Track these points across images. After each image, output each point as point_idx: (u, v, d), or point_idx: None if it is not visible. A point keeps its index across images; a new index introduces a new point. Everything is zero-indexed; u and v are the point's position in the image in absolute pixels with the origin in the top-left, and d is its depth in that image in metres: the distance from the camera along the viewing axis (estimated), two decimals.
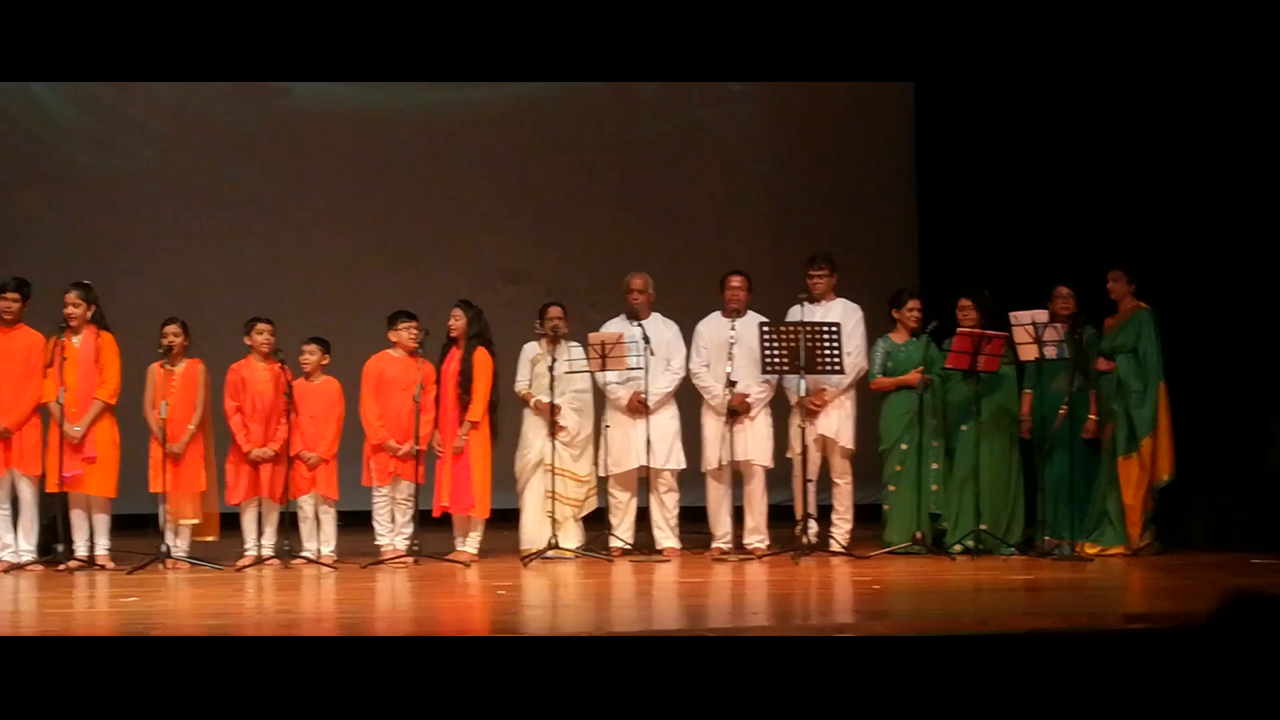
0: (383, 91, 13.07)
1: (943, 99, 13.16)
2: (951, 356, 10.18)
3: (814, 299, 10.45)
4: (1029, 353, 10.05)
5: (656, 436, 10.30)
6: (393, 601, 8.71)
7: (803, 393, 10.15)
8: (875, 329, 10.68)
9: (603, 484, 10.56)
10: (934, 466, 10.40)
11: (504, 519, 10.66)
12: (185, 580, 9.34)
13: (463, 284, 11.73)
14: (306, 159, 13.28)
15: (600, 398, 10.57)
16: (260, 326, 10.12)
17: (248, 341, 10.13)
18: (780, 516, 10.69)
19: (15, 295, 9.76)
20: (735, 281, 10.52)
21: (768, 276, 11.23)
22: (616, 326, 10.50)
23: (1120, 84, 10.89)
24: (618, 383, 10.45)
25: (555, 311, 10.45)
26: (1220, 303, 10.52)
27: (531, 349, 10.55)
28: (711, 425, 10.48)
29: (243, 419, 10.03)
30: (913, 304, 10.59)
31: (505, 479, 10.60)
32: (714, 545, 10.47)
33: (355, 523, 10.61)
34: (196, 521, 9.99)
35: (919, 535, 10.26)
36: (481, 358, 10.16)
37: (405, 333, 10.19)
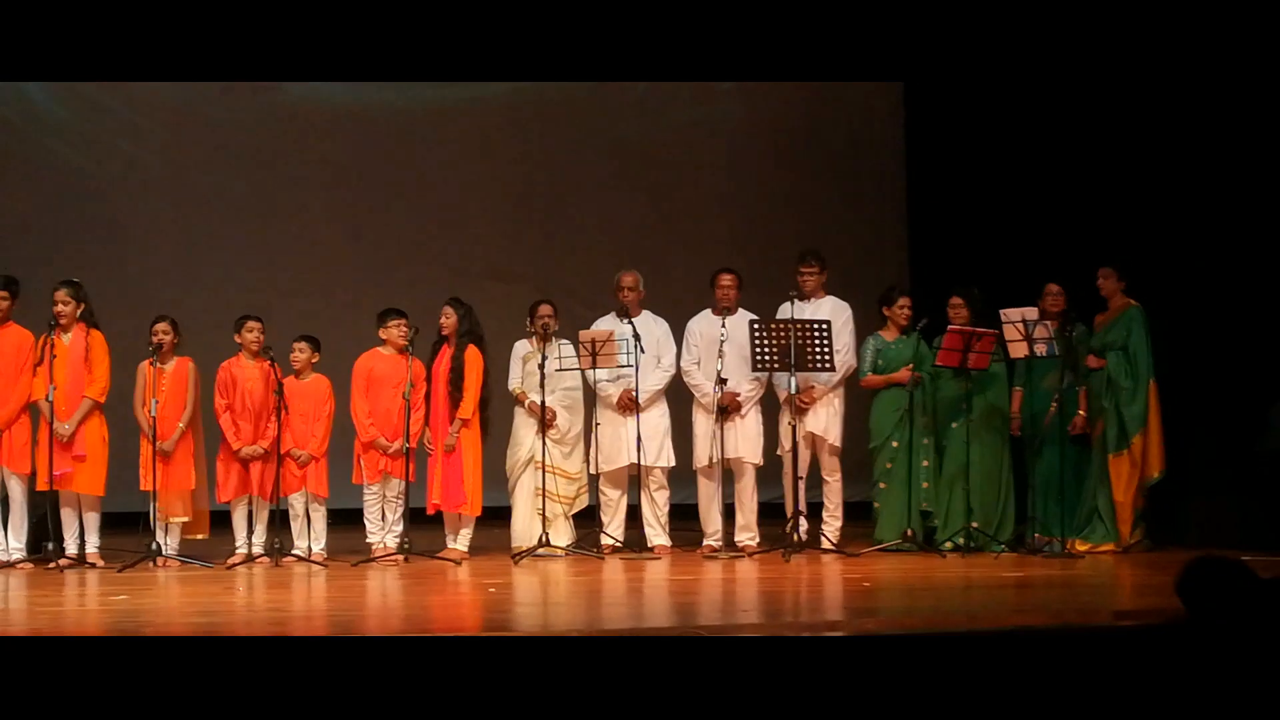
0: (373, 90, 13.06)
1: (931, 98, 13.18)
2: (942, 354, 10.19)
3: (804, 296, 10.45)
4: (1019, 350, 10.07)
5: (647, 434, 10.30)
6: (383, 599, 8.70)
7: (793, 390, 10.16)
8: (865, 327, 10.69)
9: (593, 481, 10.57)
10: (924, 464, 10.41)
11: (495, 517, 10.66)
12: (175, 578, 9.33)
13: (453, 282, 11.73)
14: (297, 157, 13.26)
15: (591, 395, 10.57)
16: (250, 324, 10.11)
17: (238, 339, 10.12)
18: (771, 514, 10.70)
19: (4, 293, 9.74)
20: (726, 279, 10.52)
21: (758, 274, 11.23)
22: (607, 324, 10.50)
23: (1109, 82, 10.91)
24: (608, 380, 10.46)
25: (545, 309, 10.44)
26: (1210, 300, 10.53)
27: (523, 347, 10.55)
28: (702, 423, 10.49)
29: (232, 417, 10.02)
30: (903, 302, 10.59)
31: (496, 477, 10.59)
32: (705, 543, 10.48)
33: (346, 521, 10.59)
34: (186, 519, 9.98)
35: (909, 532, 10.26)
36: (472, 355, 10.15)
37: (395, 330, 10.18)
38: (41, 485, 9.64)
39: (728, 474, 10.47)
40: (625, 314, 10.49)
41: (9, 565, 9.59)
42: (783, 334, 9.97)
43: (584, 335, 10.20)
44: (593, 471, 10.51)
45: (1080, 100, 11.41)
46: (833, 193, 13.73)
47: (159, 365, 9.86)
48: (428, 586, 8.93)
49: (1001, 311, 10.11)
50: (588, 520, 10.67)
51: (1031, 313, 10.07)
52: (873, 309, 10.72)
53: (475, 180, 13.44)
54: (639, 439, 10.24)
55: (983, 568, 9.50)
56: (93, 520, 9.83)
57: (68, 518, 9.80)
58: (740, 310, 10.47)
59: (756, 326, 10.07)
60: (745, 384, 10.38)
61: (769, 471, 10.62)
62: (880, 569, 9.47)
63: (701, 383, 10.45)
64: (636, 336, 10.17)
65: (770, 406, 10.59)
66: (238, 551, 9.97)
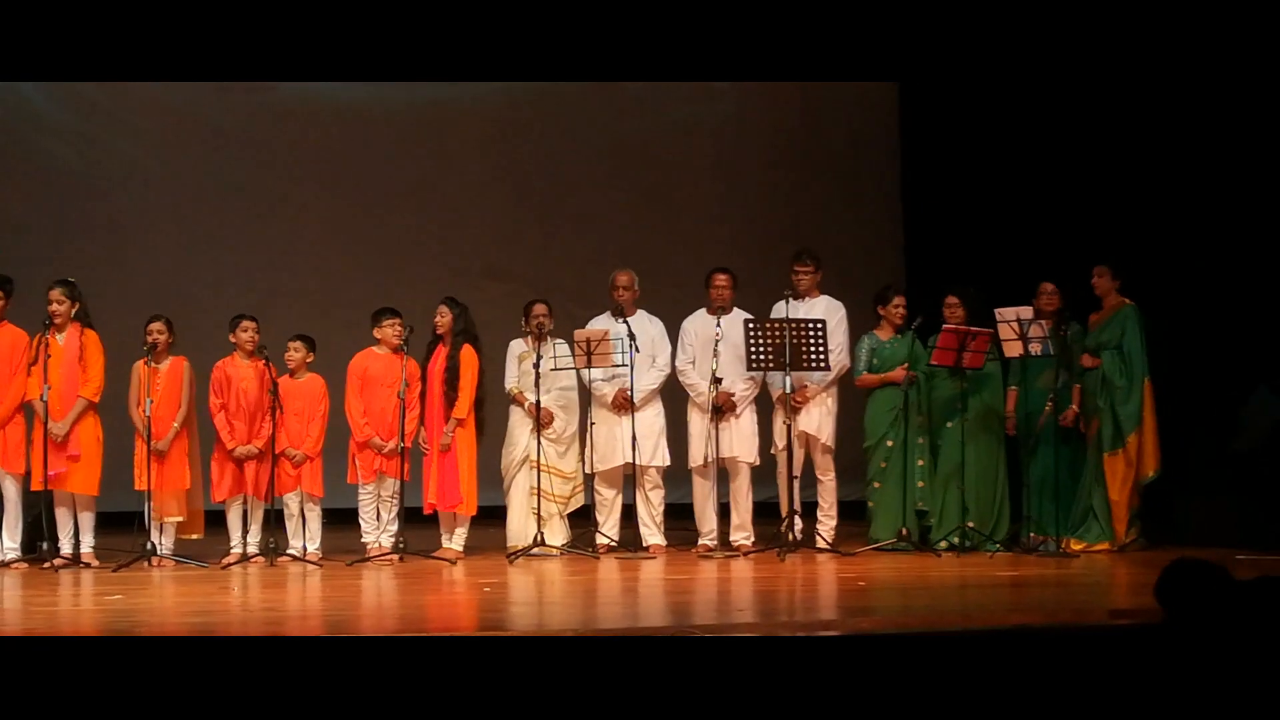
0: (368, 89, 13.05)
1: (926, 98, 13.18)
2: (936, 353, 10.19)
3: (798, 295, 10.45)
4: (1014, 349, 10.07)
5: (642, 433, 10.30)
6: (378, 599, 8.70)
7: (787, 390, 10.15)
8: (860, 326, 10.69)
9: (589, 481, 10.56)
10: (919, 463, 10.41)
11: (490, 516, 10.66)
12: (170, 578, 9.32)
13: (448, 281, 11.73)
14: (292, 157, 13.26)
15: (586, 395, 10.57)
16: (245, 324, 10.11)
17: (232, 339, 10.11)
18: (766, 513, 10.70)
19: None
20: (720, 279, 10.52)
21: (753, 274, 11.23)
22: (602, 323, 10.50)
23: (1104, 81, 10.92)
24: (603, 380, 10.46)
25: (540, 309, 10.44)
26: (1205, 298, 10.55)
27: (518, 346, 10.55)
28: (697, 422, 10.48)
29: (227, 416, 10.02)
30: (898, 301, 10.59)
31: (491, 476, 10.59)
32: (700, 542, 10.47)
33: (341, 520, 10.60)
34: (181, 519, 9.97)
35: (904, 531, 10.27)
36: (467, 355, 10.15)
37: (389, 330, 10.18)
38: (36, 485, 9.64)
39: (723, 473, 10.48)
40: (620, 313, 10.49)
41: (4, 565, 9.58)
42: (778, 333, 9.97)
43: (579, 335, 10.20)
44: (588, 471, 10.50)
45: (1075, 100, 11.43)
46: (828, 192, 13.73)
47: (154, 365, 9.86)
48: (423, 586, 8.93)
49: (996, 311, 10.11)
50: (583, 520, 10.67)
51: (1026, 312, 10.06)
52: (868, 308, 10.72)
53: (471, 179, 13.44)
54: (634, 438, 10.24)
55: (978, 567, 9.50)
56: (87, 520, 9.82)
57: (62, 517, 9.80)
58: (735, 310, 10.47)
59: (751, 326, 10.07)
60: (740, 383, 10.38)
61: (764, 471, 10.62)
62: (875, 568, 9.48)
63: (696, 382, 10.45)
64: (631, 336, 10.17)
65: (765, 406, 10.58)
66: (233, 551, 9.97)
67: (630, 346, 10.13)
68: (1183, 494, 10.45)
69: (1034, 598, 8.23)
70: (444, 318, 10.24)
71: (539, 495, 10.19)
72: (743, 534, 10.44)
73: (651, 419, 10.50)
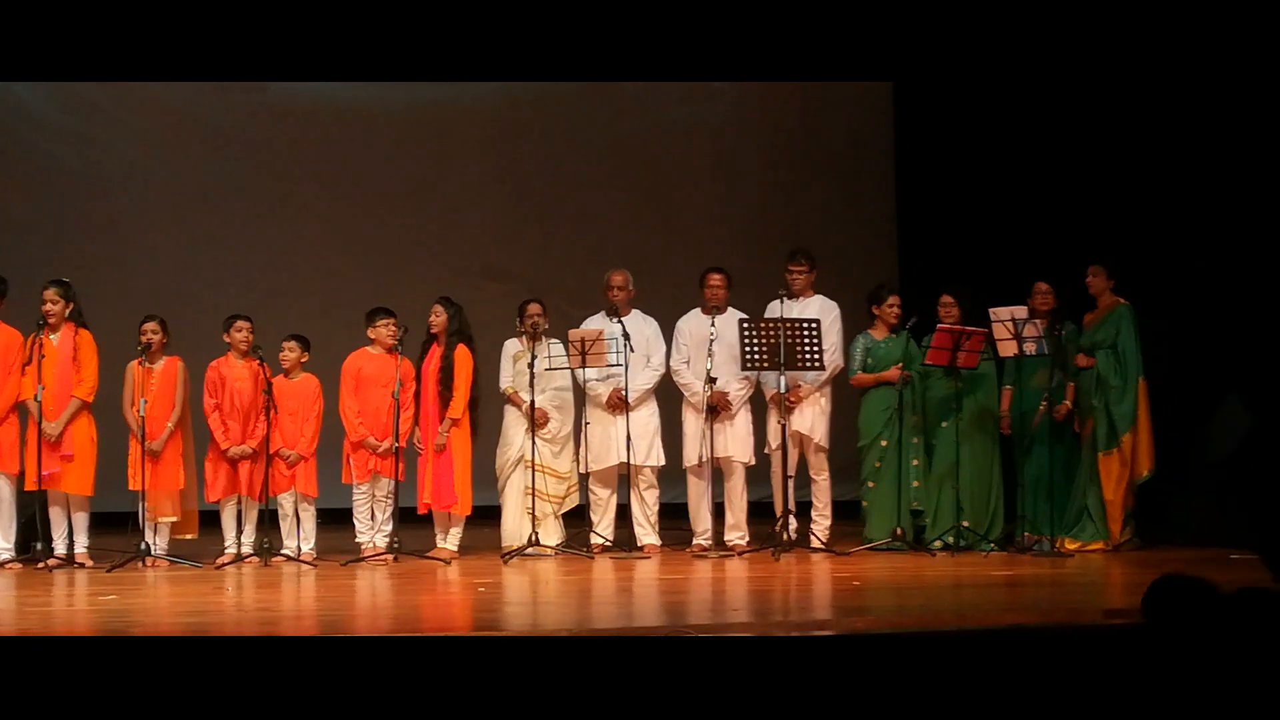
0: (364, 89, 13.03)
1: (921, 98, 13.18)
2: (931, 353, 10.19)
3: (793, 295, 10.45)
4: (1008, 349, 10.08)
5: (637, 433, 10.30)
6: (373, 599, 8.70)
7: (782, 389, 10.15)
8: (855, 325, 10.69)
9: (583, 481, 10.56)
10: (914, 463, 10.41)
11: (484, 516, 10.65)
12: (165, 578, 9.32)
13: (443, 281, 11.72)
14: (286, 156, 13.24)
15: (580, 395, 10.57)
16: (239, 324, 10.10)
17: (227, 339, 10.10)
18: (760, 513, 10.70)
19: None
20: (715, 279, 10.51)
21: (748, 274, 11.23)
22: (596, 323, 10.50)
23: (1098, 81, 10.91)
24: (598, 380, 10.46)
25: (534, 308, 10.44)
26: (1199, 298, 10.54)
27: (513, 346, 10.55)
28: (691, 422, 10.48)
29: (221, 416, 10.01)
30: (892, 300, 10.59)
31: (486, 476, 10.59)
32: (694, 542, 10.47)
33: (335, 520, 10.60)
34: (175, 519, 9.96)
35: (899, 531, 10.27)
36: (462, 354, 10.15)
37: (383, 330, 10.17)
38: (30, 485, 9.63)
39: (717, 473, 10.47)
40: (615, 313, 10.49)
41: None
42: (772, 333, 9.97)
43: (573, 334, 10.20)
44: (582, 471, 10.50)
45: (1069, 99, 11.42)
46: (823, 192, 13.73)
47: (148, 365, 9.85)
48: (417, 586, 8.93)
49: (991, 310, 10.11)
50: (577, 519, 10.67)
51: (1021, 311, 10.08)
52: (862, 308, 10.72)
53: (466, 179, 13.43)
54: (629, 438, 10.24)
55: (972, 566, 9.50)
56: (81, 520, 9.81)
57: (56, 517, 9.79)
58: (730, 309, 10.47)
59: (746, 326, 10.07)
60: (735, 383, 10.38)
61: (758, 470, 10.62)
62: (870, 568, 9.48)
63: (691, 382, 10.45)
64: (626, 336, 10.17)
65: (760, 405, 10.59)
66: (227, 551, 9.96)
67: (625, 346, 10.13)
68: (1177, 493, 10.44)
69: (1029, 597, 8.23)
70: (439, 317, 10.24)
71: (534, 495, 10.19)
72: (737, 534, 10.44)
73: (646, 419, 10.50)
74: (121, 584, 8.91)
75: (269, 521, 10.00)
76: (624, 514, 10.56)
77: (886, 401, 10.41)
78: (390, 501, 10.11)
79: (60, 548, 9.74)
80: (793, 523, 10.18)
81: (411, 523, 10.34)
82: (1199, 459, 9.98)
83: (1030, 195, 11.83)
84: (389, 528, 10.08)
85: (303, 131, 13.25)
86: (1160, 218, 10.80)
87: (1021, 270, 10.61)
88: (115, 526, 10.20)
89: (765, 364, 10.03)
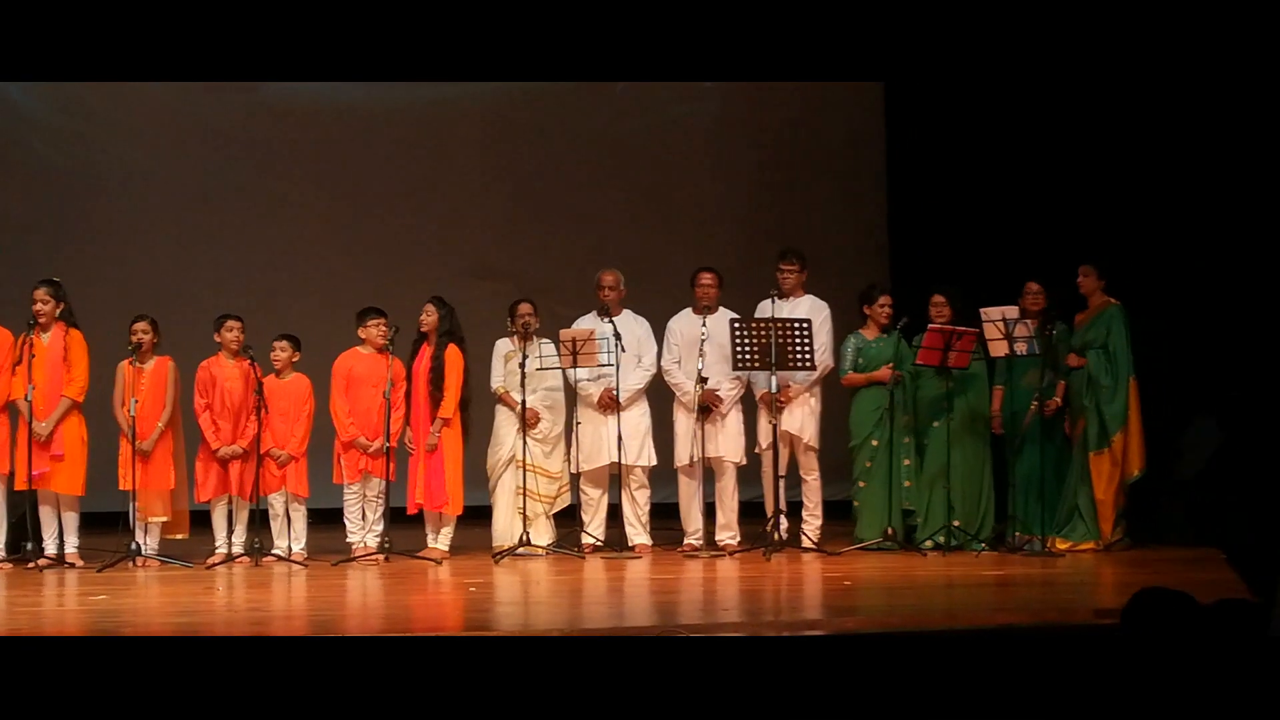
0: (355, 90, 13.02)
1: (912, 98, 13.19)
2: (922, 353, 10.20)
3: (783, 294, 10.45)
4: (999, 349, 10.08)
5: (628, 433, 10.30)
6: (364, 599, 8.69)
7: (773, 389, 10.15)
8: (846, 325, 10.69)
9: (574, 481, 10.56)
10: (905, 463, 10.42)
11: (476, 516, 10.65)
12: (155, 578, 9.31)
13: (434, 280, 11.70)
14: (277, 156, 13.23)
15: (572, 394, 10.57)
16: (230, 324, 10.09)
17: (217, 339, 10.10)
18: (751, 512, 10.70)
19: None
20: (706, 278, 10.52)
21: (739, 273, 11.23)
22: (588, 323, 10.50)
23: (1089, 82, 10.93)
24: (589, 379, 10.45)
25: (525, 308, 10.44)
26: (1190, 298, 10.55)
27: (504, 345, 10.54)
28: (683, 422, 10.48)
29: (212, 416, 10.00)
30: (883, 300, 10.60)
31: (477, 476, 10.59)
32: (685, 541, 10.47)
33: (326, 520, 10.58)
34: (166, 519, 9.96)
35: (890, 531, 10.27)
36: (453, 354, 10.15)
37: (374, 329, 10.16)
38: (20, 485, 9.62)
39: (708, 473, 10.48)
40: (606, 313, 10.48)
41: None
42: (763, 333, 9.97)
43: (565, 334, 10.20)
44: (573, 470, 10.49)
45: (1060, 100, 11.43)
46: (814, 192, 13.73)
47: (138, 365, 9.84)
48: (408, 586, 8.92)
49: (982, 310, 10.12)
50: (568, 519, 10.66)
51: (1012, 311, 10.08)
52: (854, 307, 10.73)
53: (458, 179, 13.41)
54: (620, 438, 10.23)
55: (963, 566, 9.51)
56: (72, 520, 9.80)
57: (47, 517, 9.78)
58: (721, 309, 10.47)
59: (737, 326, 10.07)
60: (726, 383, 10.38)
61: (749, 470, 10.62)
62: (861, 568, 9.48)
63: (682, 381, 10.44)
64: (617, 335, 10.17)
65: (751, 405, 10.59)
66: (217, 551, 9.95)
67: (616, 346, 10.12)
68: (1168, 493, 10.45)
69: (1019, 597, 8.24)
70: (430, 316, 10.23)
71: (525, 495, 10.18)
72: (728, 533, 10.44)
73: (637, 419, 10.50)
74: (112, 584, 8.90)
75: (260, 521, 9.99)
76: (615, 514, 10.56)
77: (878, 401, 10.41)
78: (381, 501, 10.10)
79: (51, 548, 9.73)
80: (784, 522, 10.18)
81: (402, 523, 10.33)
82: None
83: (1021, 195, 11.84)
84: (380, 528, 10.08)
85: (298, 131, 13.22)
86: (1151, 218, 10.81)
87: (1013, 270, 10.62)
88: (106, 526, 10.19)
89: (756, 364, 10.03)
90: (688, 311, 10.58)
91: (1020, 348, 10.01)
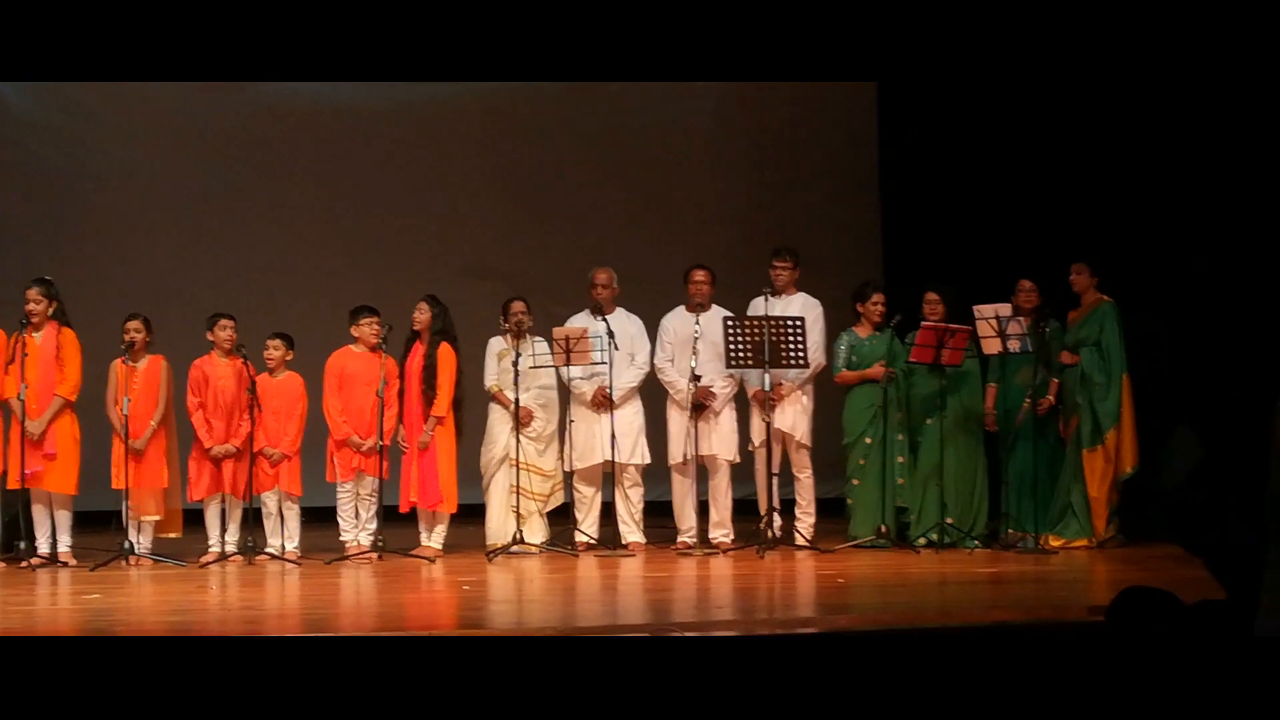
0: (350, 89, 12.98)
1: (905, 98, 13.19)
2: (915, 350, 10.20)
3: (776, 292, 10.46)
4: (992, 346, 10.09)
5: (621, 431, 10.30)
6: (357, 597, 8.70)
7: (766, 387, 10.15)
8: (839, 323, 10.70)
9: (568, 479, 10.55)
10: (899, 460, 10.42)
11: (469, 514, 10.64)
12: (148, 577, 9.31)
13: (428, 279, 11.69)
14: (271, 155, 13.20)
15: (565, 393, 10.57)
16: (223, 322, 10.08)
17: (210, 337, 10.08)
18: (745, 510, 10.70)
19: None
20: (699, 276, 10.51)
21: (732, 271, 11.23)
22: (581, 321, 10.49)
23: (1082, 80, 10.92)
24: (582, 378, 10.45)
25: (518, 306, 10.43)
26: (1183, 295, 10.56)
27: (497, 344, 10.54)
28: (676, 420, 10.48)
29: (205, 415, 9.99)
30: (876, 298, 10.60)
31: (471, 474, 10.58)
32: (679, 539, 10.47)
33: (319, 518, 10.58)
34: (159, 518, 9.95)
35: (884, 528, 10.28)
36: (445, 353, 10.14)
37: (367, 328, 10.16)
38: (13, 484, 9.60)
39: (702, 471, 10.48)
40: (599, 311, 10.48)
41: None
42: (757, 331, 9.97)
43: (558, 333, 10.20)
44: (567, 469, 10.49)
45: (1053, 98, 11.44)
46: (808, 191, 13.73)
47: (131, 363, 9.83)
48: (402, 584, 8.93)
49: (975, 308, 10.12)
50: (562, 517, 10.66)
51: (1005, 309, 10.09)
52: (847, 305, 10.73)
53: (452, 178, 13.39)
54: (613, 436, 10.23)
55: (957, 564, 9.52)
56: (64, 519, 9.79)
57: (39, 516, 9.76)
58: (714, 307, 10.47)
59: (731, 324, 10.07)
60: (719, 381, 10.38)
61: (743, 468, 10.62)
62: (854, 565, 9.49)
63: (675, 379, 10.44)
64: (610, 334, 10.17)
65: (744, 403, 10.59)
66: (211, 550, 9.94)
67: (609, 344, 10.12)
68: (1161, 490, 10.46)
69: (1013, 594, 8.26)
70: (423, 314, 10.23)
71: (518, 493, 10.18)
72: (722, 531, 10.43)
73: (630, 417, 10.49)
74: (105, 583, 8.89)
75: (253, 520, 9.98)
76: (608, 512, 10.56)
77: (871, 399, 10.42)
78: (374, 500, 10.10)
79: (43, 547, 9.72)
80: (777, 520, 10.19)
81: (396, 521, 10.33)
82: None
83: (1014, 193, 11.85)
84: (373, 526, 10.08)
85: (295, 131, 13.20)
86: (1144, 215, 10.82)
87: (1006, 268, 10.62)
88: (99, 525, 10.19)
89: (750, 362, 10.03)
90: (681, 309, 10.58)
91: (1013, 345, 10.02)
